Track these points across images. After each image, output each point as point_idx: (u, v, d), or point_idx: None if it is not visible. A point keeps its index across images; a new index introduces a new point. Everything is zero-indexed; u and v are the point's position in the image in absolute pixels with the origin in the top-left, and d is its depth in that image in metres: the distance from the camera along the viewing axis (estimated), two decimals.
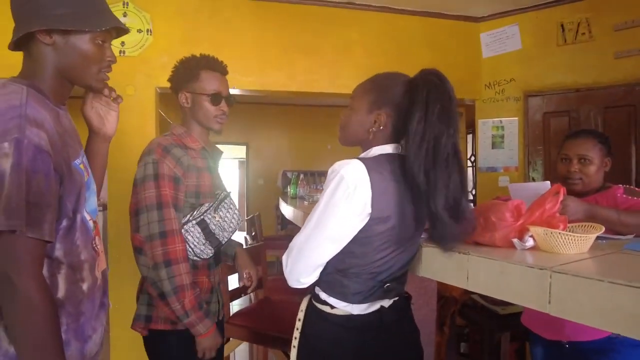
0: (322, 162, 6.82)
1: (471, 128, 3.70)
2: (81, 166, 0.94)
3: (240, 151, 8.24)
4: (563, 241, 1.02)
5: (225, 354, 1.75)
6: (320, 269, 1.09)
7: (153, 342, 1.41)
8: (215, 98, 1.42)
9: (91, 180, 1.00)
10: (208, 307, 1.42)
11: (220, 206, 1.43)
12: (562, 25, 3.26)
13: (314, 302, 1.13)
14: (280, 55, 3.17)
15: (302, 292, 1.18)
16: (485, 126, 3.52)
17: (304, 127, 7.34)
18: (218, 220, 1.41)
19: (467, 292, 2.37)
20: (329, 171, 1.05)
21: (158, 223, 1.29)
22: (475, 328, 2.63)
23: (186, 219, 1.37)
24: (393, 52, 3.36)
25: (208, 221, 1.39)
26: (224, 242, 1.46)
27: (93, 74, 0.98)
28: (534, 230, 1.07)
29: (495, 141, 3.46)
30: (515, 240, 1.09)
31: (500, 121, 3.45)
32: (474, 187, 3.81)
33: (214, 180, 1.48)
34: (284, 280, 1.13)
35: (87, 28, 0.92)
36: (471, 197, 3.96)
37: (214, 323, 1.39)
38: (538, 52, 3.34)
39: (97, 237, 0.99)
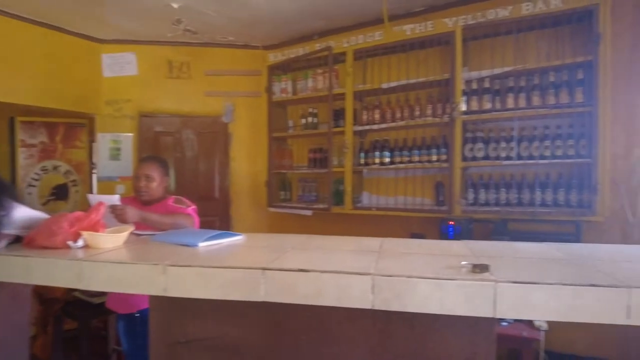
0: None
1: (92, 139, 3.96)
2: None
3: None
4: (104, 240, 1.51)
5: None
6: None
7: None
8: None
9: None
10: None
11: None
12: (170, 62, 4.01)
13: None
14: None
15: None
16: (104, 139, 3.87)
17: None
18: None
19: (69, 291, 2.64)
20: None
21: None
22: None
23: None
24: (4, 56, 3.20)
25: None
26: None
27: None
28: (86, 234, 1.52)
29: (113, 153, 3.86)
30: (70, 242, 1.50)
31: (118, 136, 3.88)
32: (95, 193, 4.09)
33: None
34: None
35: None
36: None
37: None
38: (151, 80, 3.97)
39: None
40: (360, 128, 3.35)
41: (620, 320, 1.04)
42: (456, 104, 2.91)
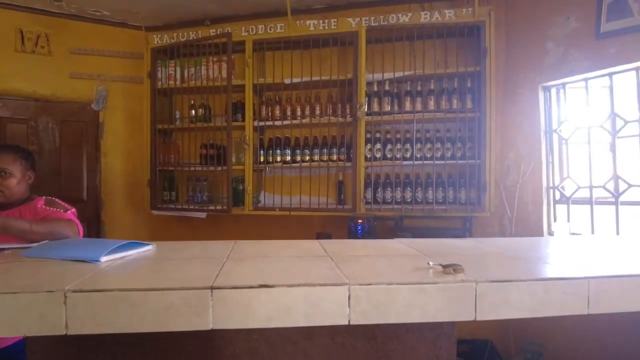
0: None
1: None
2: None
3: None
4: None
5: None
6: None
7: None
8: None
9: None
10: None
11: None
12: (21, 32, 3.24)
13: None
14: None
15: None
16: None
17: None
18: None
19: None
20: None
21: None
22: None
23: None
24: None
25: None
26: None
27: None
28: None
29: None
30: None
31: None
32: None
33: None
34: None
35: None
36: None
37: None
38: None
39: None
40: (260, 124, 3.15)
41: (582, 310, 1.07)
42: (360, 104, 2.91)
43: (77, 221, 1.68)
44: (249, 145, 3.11)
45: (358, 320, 0.98)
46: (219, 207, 3.14)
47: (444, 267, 1.10)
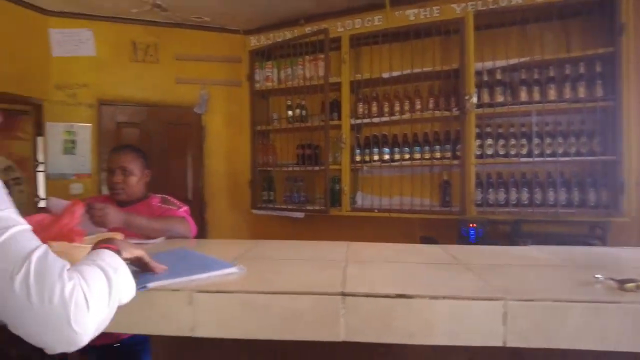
0: None
1: (40, 130, 3.35)
2: None
3: None
4: (80, 253, 1.07)
5: None
6: None
7: None
8: None
9: None
10: None
11: None
12: (134, 43, 3.49)
13: None
14: None
15: None
16: (55, 130, 3.27)
17: None
18: None
19: None
20: None
21: None
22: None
23: None
24: None
25: None
26: None
27: None
28: (55, 245, 1.07)
29: (67, 147, 3.28)
30: None
31: (72, 126, 3.30)
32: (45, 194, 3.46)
33: None
34: None
35: None
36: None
37: None
38: (112, 63, 3.43)
39: None
40: (356, 122, 3.03)
41: None
42: (469, 95, 2.67)
43: (190, 219, 1.70)
44: (346, 144, 3.01)
45: (516, 342, 0.80)
46: (316, 208, 3.09)
47: (620, 282, 0.88)
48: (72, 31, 3.33)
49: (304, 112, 3.28)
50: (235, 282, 0.91)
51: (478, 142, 2.71)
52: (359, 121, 3.02)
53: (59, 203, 1.47)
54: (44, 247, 0.65)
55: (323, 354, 1.08)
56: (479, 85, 2.73)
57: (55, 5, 3.24)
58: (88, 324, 0.63)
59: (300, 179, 3.37)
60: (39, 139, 3.48)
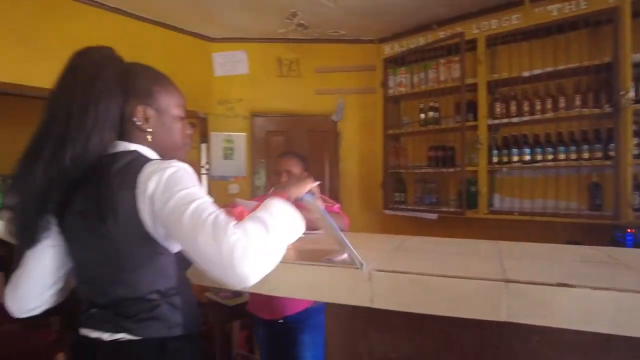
0: None
1: (205, 138, 3.98)
2: None
3: None
4: None
5: None
6: None
7: None
8: None
9: None
10: None
11: None
12: (280, 60, 3.93)
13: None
14: None
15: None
16: (217, 139, 3.87)
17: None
18: None
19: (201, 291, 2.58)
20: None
21: None
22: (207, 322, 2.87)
23: None
24: (126, 56, 3.27)
25: None
26: None
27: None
28: None
29: (226, 153, 3.85)
30: None
31: (230, 135, 3.87)
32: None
33: None
34: None
35: None
36: None
37: None
38: (262, 79, 3.92)
39: None
40: (494, 122, 3.00)
41: None
42: (625, 91, 2.47)
43: (344, 214, 1.93)
44: (483, 144, 3.00)
45: None
46: (451, 209, 3.13)
47: None
48: (230, 53, 3.90)
49: (436, 115, 3.35)
50: (409, 265, 1.08)
51: (635, 140, 2.49)
52: (496, 121, 2.99)
53: (245, 204, 1.81)
54: (220, 210, 0.88)
55: (482, 340, 1.19)
56: (636, 79, 2.51)
57: (217, 33, 3.83)
58: (251, 267, 0.81)
59: (432, 180, 3.43)
60: (203, 146, 4.11)
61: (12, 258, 1.02)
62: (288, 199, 1.06)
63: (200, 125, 4.09)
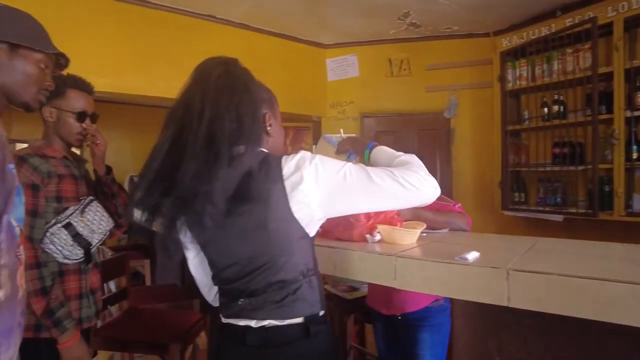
0: None
1: (316, 140, 4.19)
2: (14, 171, 0.94)
3: None
4: (401, 235, 1.41)
5: None
6: None
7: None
8: (81, 116, 1.54)
9: (21, 190, 0.99)
10: (79, 313, 1.49)
11: (86, 210, 1.50)
12: (390, 60, 3.97)
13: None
14: (138, 59, 3.10)
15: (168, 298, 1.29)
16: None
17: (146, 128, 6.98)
18: (86, 223, 1.48)
19: None
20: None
21: None
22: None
23: (51, 222, 1.42)
24: (251, 68, 3.58)
25: (75, 224, 1.45)
26: (94, 244, 1.52)
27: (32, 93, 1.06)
28: (381, 227, 1.44)
29: None
30: (367, 236, 1.44)
31: (342, 136, 3.99)
32: None
33: (78, 187, 1.55)
34: (148, 289, 1.24)
35: (39, 47, 1.03)
36: None
37: (76, 332, 1.42)
38: (372, 80, 3.99)
39: (21, 247, 0.97)
40: (633, 114, 2.69)
41: None
42: None
43: (466, 214, 1.91)
44: (619, 139, 2.71)
45: None
46: (581, 211, 2.88)
47: None
48: (342, 58, 4.04)
49: (561, 108, 3.10)
50: (548, 266, 1.06)
51: None
52: (637, 113, 2.68)
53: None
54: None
55: (632, 348, 1.12)
56: None
57: (330, 39, 3.99)
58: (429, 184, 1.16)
59: (557, 179, 3.18)
60: (315, 147, 4.33)
61: (154, 247, 1.19)
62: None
63: (314, 128, 4.31)
